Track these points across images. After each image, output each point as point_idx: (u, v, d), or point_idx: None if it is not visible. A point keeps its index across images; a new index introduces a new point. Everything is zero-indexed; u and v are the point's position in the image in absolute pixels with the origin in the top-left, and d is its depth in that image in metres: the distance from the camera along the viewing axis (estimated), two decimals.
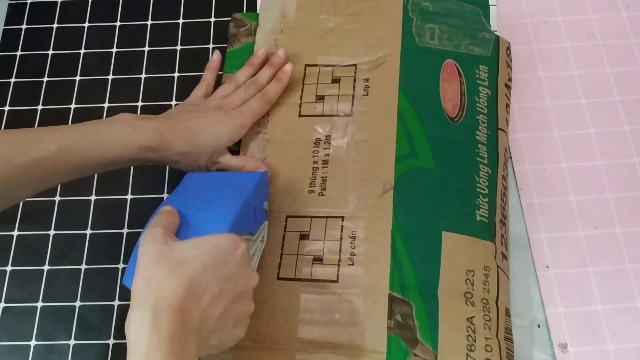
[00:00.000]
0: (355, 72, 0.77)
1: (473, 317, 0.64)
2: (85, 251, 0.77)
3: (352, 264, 0.67)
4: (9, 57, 0.89)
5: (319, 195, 0.71)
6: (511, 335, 0.66)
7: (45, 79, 0.87)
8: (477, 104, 0.75)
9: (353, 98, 0.75)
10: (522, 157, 0.79)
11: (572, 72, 0.85)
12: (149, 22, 0.90)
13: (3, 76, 0.88)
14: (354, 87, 0.76)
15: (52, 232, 0.78)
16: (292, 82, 0.77)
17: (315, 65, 0.78)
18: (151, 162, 0.68)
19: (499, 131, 0.75)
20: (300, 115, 0.75)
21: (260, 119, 0.75)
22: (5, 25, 0.91)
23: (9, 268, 0.76)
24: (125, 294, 0.74)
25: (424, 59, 0.77)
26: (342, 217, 0.69)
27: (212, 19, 0.90)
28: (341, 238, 0.68)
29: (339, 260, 0.67)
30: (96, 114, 0.84)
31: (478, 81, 0.76)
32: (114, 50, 0.89)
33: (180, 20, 0.90)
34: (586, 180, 0.78)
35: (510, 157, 0.79)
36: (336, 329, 0.64)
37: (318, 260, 0.67)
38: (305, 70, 0.78)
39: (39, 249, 0.77)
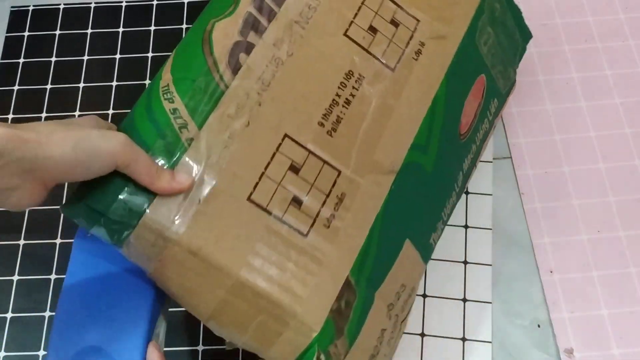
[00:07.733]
0: (415, 29, 0.67)
1: (385, 330, 0.61)
2: None
3: (328, 227, 0.58)
4: (11, 65, 0.88)
5: (327, 133, 0.61)
6: None
7: (48, 87, 0.87)
8: (477, 134, 0.72)
9: (402, 54, 0.66)
10: (523, 161, 0.80)
11: (571, 75, 0.85)
12: (152, 28, 0.90)
13: (6, 84, 0.87)
14: (408, 43, 0.66)
15: (58, 241, 0.78)
16: None
17: None
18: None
19: (475, 166, 0.72)
20: (345, 34, 0.64)
21: (305, 10, 0.63)
22: (7, 33, 0.91)
23: (15, 277, 0.76)
24: None
25: (472, 59, 0.71)
26: (339, 173, 0.60)
27: None
28: (329, 194, 0.59)
29: (317, 215, 0.58)
30: None
31: (487, 112, 0.73)
32: (118, 56, 0.88)
33: (184, 26, 0.90)
34: (588, 184, 0.78)
35: (512, 160, 0.80)
36: (283, 285, 0.55)
37: (297, 202, 0.57)
38: None
39: (45, 258, 0.77)
